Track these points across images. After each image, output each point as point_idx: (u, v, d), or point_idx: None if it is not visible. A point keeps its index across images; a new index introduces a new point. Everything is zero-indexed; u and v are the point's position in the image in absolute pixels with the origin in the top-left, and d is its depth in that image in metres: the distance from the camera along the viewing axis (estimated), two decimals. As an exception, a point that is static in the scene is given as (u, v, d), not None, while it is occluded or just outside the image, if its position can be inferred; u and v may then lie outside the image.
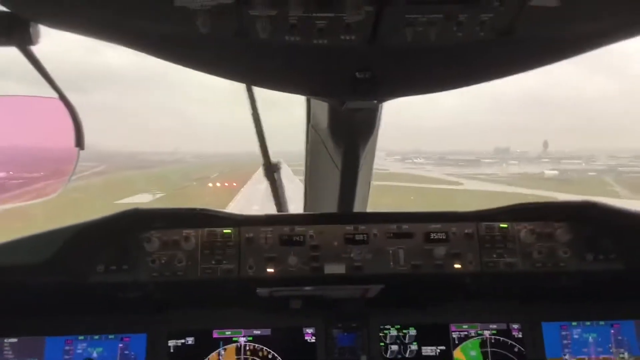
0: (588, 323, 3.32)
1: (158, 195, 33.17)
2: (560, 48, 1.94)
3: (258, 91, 3.20)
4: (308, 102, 3.29)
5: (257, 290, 2.98)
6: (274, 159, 3.65)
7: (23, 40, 1.85)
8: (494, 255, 3.04)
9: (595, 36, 1.87)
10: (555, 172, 52.43)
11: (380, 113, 2.66)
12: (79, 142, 2.20)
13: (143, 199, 28.79)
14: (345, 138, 2.75)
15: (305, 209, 4.16)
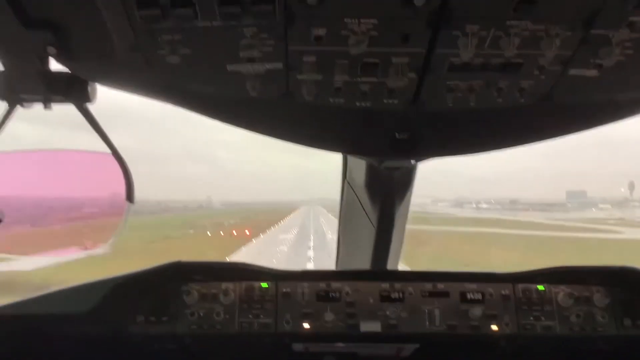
0: None
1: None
2: (598, 115, 1.99)
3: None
4: (344, 158, 3.36)
5: (293, 346, 2.99)
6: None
7: (80, 98, 1.97)
8: (531, 318, 3.00)
9: (632, 104, 1.91)
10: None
11: (416, 171, 2.72)
12: (129, 196, 2.27)
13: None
14: (381, 195, 2.80)
15: (337, 263, 4.19)
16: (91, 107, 2.06)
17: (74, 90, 1.95)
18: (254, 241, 37.42)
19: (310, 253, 28.46)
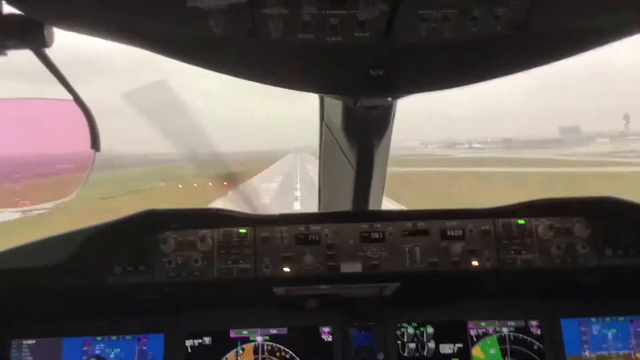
0: (607, 319, 3.28)
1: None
2: (577, 41, 1.91)
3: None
4: (321, 99, 3.28)
5: (274, 290, 2.98)
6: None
7: (37, 42, 1.84)
8: (512, 252, 3.01)
9: (612, 28, 1.84)
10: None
11: (395, 110, 2.65)
12: (95, 144, 2.20)
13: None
14: (359, 136, 2.74)
15: (319, 207, 4.16)
16: (62, 59, 1.98)
17: (29, 35, 1.82)
18: (231, 193, 35.99)
19: (297, 205, 28.02)
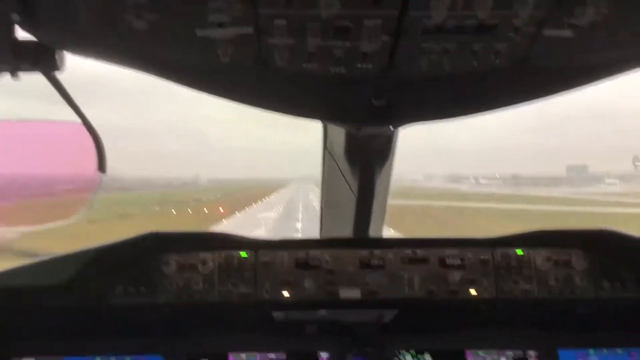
0: (605, 351, 3.26)
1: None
2: (575, 76, 1.96)
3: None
4: (324, 127, 3.33)
5: (273, 314, 3.01)
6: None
7: (48, 66, 1.90)
8: (510, 282, 3.03)
9: (609, 65, 1.90)
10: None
11: (396, 138, 2.69)
12: (101, 165, 2.25)
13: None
14: (361, 163, 2.78)
15: (321, 233, 4.19)
16: (67, 80, 2.04)
17: (41, 59, 1.88)
18: (225, 222, 34.73)
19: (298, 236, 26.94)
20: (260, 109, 2.17)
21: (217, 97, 2.05)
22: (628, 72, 1.91)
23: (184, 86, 1.99)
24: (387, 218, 3.50)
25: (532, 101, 2.08)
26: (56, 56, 1.89)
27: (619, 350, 3.27)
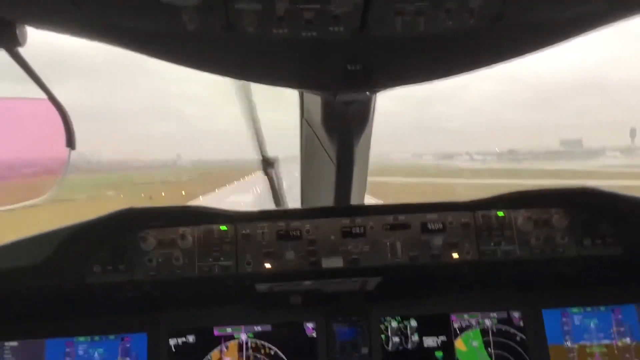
0: (589, 309, 3.31)
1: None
2: (552, 32, 1.91)
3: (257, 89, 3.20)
4: (300, 95, 3.29)
5: (256, 286, 2.99)
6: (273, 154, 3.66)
7: (9, 41, 1.85)
8: (492, 244, 3.03)
9: (587, 19, 1.84)
10: None
11: (375, 104, 2.65)
12: (70, 142, 2.20)
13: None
14: (339, 131, 2.74)
15: (302, 203, 4.17)
16: (35, 58, 2.00)
17: (2, 34, 1.86)
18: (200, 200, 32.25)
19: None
20: (231, 77, 2.13)
21: (185, 66, 1.99)
22: (603, 26, 1.87)
23: (150, 56, 1.91)
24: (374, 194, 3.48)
25: (510, 59, 2.03)
26: (17, 31, 1.85)
27: (602, 308, 3.31)
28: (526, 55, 2.03)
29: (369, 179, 3.65)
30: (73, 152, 2.21)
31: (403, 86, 2.22)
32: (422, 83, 2.18)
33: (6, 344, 3.12)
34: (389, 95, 2.41)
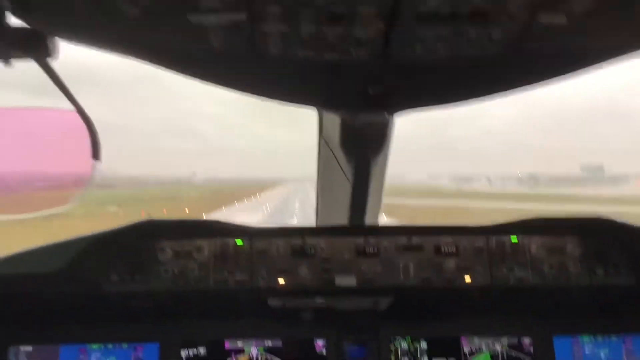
0: (600, 338, 3.29)
1: None
2: (571, 62, 1.94)
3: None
4: (320, 114, 3.34)
5: (269, 301, 3.02)
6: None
7: (41, 53, 1.90)
8: (505, 269, 3.05)
9: (605, 51, 1.87)
10: None
11: (393, 126, 2.69)
12: (96, 153, 2.26)
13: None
14: (357, 151, 2.78)
15: (317, 221, 4.21)
16: (62, 72, 2.05)
17: (34, 46, 1.89)
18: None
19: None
20: (253, 95, 2.18)
21: (209, 83, 2.04)
22: (623, 58, 1.90)
23: (177, 72, 1.97)
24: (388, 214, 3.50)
25: (527, 87, 2.06)
26: (49, 43, 1.91)
27: (614, 337, 3.29)
28: (544, 83, 2.06)
29: (384, 199, 3.67)
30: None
31: (422, 109, 2.26)
32: (440, 107, 2.21)
33: (21, 348, 3.16)
34: (406, 116, 2.43)
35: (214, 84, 2.05)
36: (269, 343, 3.23)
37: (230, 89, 2.09)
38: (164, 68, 1.96)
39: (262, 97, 2.15)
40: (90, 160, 2.25)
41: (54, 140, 2.48)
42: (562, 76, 2.00)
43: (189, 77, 2.00)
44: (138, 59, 1.93)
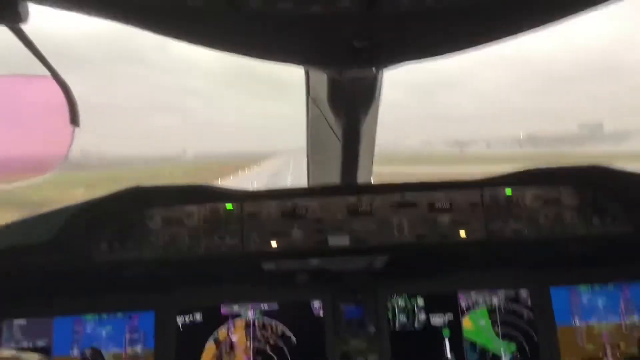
0: (597, 287, 3.28)
1: None
2: (559, 6, 1.87)
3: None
4: (306, 73, 3.24)
5: (263, 265, 3.00)
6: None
7: (12, 18, 1.89)
8: (500, 223, 3.01)
9: None
10: None
11: (381, 82, 2.61)
12: (74, 119, 2.21)
13: None
14: (346, 109, 2.70)
15: (308, 182, 4.15)
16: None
17: (3, 10, 1.88)
18: None
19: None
20: (236, 54, 2.11)
21: (188, 42, 1.98)
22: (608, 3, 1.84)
23: (152, 31, 1.90)
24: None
25: (517, 34, 1.98)
26: (19, 7, 1.85)
27: (611, 285, 3.29)
28: (536, 29, 1.98)
29: (375, 168, 3.63)
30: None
31: (410, 62, 2.19)
32: (429, 58, 2.15)
33: (15, 322, 3.15)
34: (395, 82, 2.37)
35: (194, 43, 1.97)
36: (265, 307, 3.22)
37: (213, 49, 2.02)
38: (138, 27, 1.90)
39: (245, 56, 2.08)
40: (69, 126, 2.21)
41: (29, 107, 2.43)
42: (555, 21, 1.93)
43: (167, 36, 1.91)
44: (110, 19, 1.85)
